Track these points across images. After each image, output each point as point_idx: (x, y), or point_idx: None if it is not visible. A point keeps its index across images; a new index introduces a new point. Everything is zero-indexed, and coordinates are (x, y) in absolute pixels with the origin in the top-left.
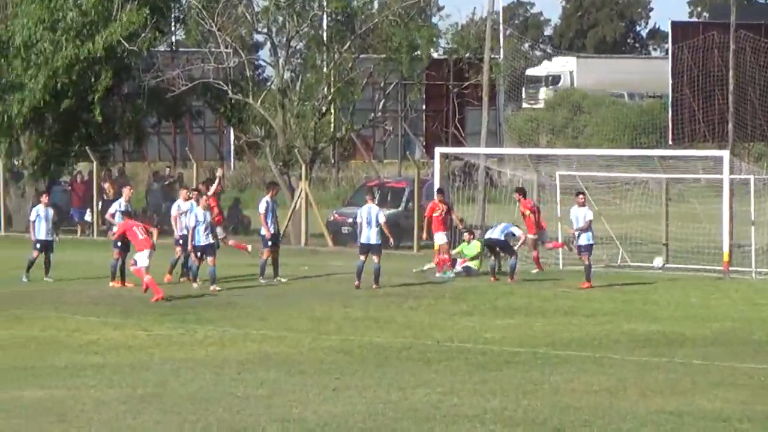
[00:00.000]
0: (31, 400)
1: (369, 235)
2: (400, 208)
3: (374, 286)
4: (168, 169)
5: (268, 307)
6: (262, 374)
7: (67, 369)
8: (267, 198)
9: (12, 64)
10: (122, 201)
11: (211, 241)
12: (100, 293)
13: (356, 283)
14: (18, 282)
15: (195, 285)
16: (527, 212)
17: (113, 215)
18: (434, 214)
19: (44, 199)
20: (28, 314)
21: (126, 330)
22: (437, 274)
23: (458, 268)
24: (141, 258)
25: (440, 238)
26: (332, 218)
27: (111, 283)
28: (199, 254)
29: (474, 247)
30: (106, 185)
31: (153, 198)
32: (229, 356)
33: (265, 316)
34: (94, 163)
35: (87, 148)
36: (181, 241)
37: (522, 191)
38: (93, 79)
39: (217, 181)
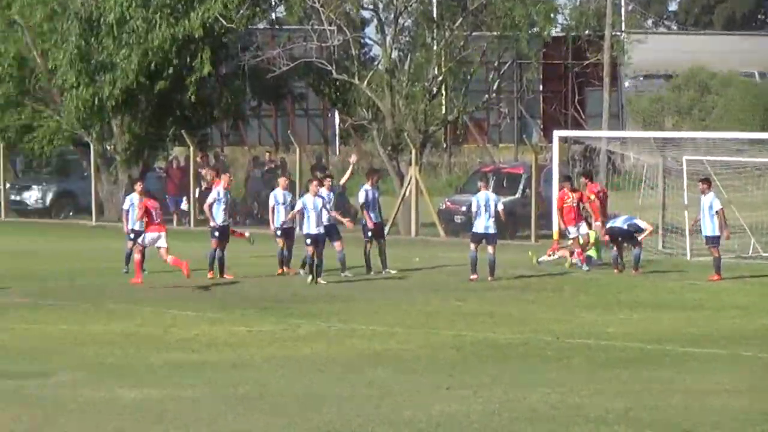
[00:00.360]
0: (127, 400)
1: (485, 224)
2: (516, 196)
3: (489, 279)
4: (268, 154)
5: (377, 301)
6: (370, 373)
7: (164, 367)
8: (367, 186)
9: (103, 43)
10: (220, 189)
11: (320, 230)
12: (196, 286)
13: (473, 276)
14: (119, 274)
15: (301, 273)
16: (592, 197)
17: (211, 206)
18: (564, 204)
19: (138, 186)
20: (123, 309)
21: (225, 326)
22: (583, 267)
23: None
24: (152, 239)
25: (577, 230)
26: (444, 206)
27: (208, 275)
28: (308, 242)
29: (590, 236)
30: (204, 171)
31: (253, 185)
32: (334, 354)
33: (373, 310)
34: (191, 148)
35: (183, 131)
36: (279, 233)
37: (588, 174)
38: (189, 59)
39: (350, 168)
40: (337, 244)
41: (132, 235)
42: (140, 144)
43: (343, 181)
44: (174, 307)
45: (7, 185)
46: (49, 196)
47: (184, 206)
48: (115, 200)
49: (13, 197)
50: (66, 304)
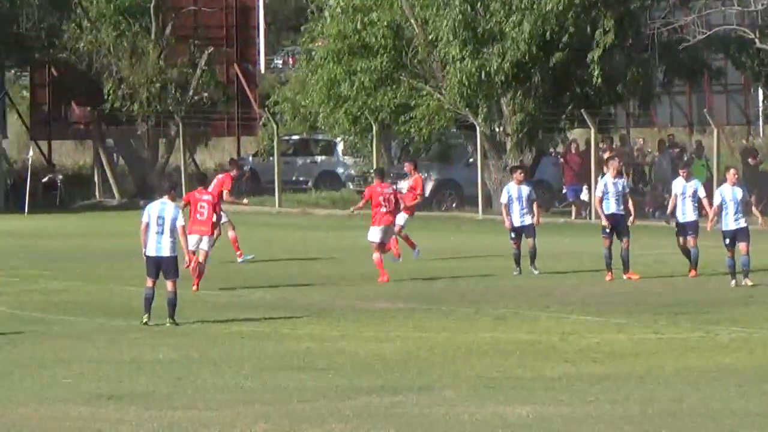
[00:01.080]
0: (515, 418)
1: None
2: None
3: None
4: (670, 137)
5: None
6: None
7: (560, 380)
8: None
9: (490, 9)
10: (608, 178)
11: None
12: (599, 288)
13: None
14: (508, 275)
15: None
16: None
17: (601, 199)
18: None
19: (519, 175)
20: (513, 314)
21: (632, 332)
22: None
23: None
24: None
25: None
26: None
27: (625, 276)
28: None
29: None
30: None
31: (659, 172)
32: (759, 364)
33: None
34: (592, 130)
35: (582, 111)
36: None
37: None
38: (589, 28)
39: None
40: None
41: (513, 234)
42: (533, 125)
43: None
44: (573, 311)
45: None
46: (429, 186)
47: (584, 196)
48: None
49: None
50: (449, 308)
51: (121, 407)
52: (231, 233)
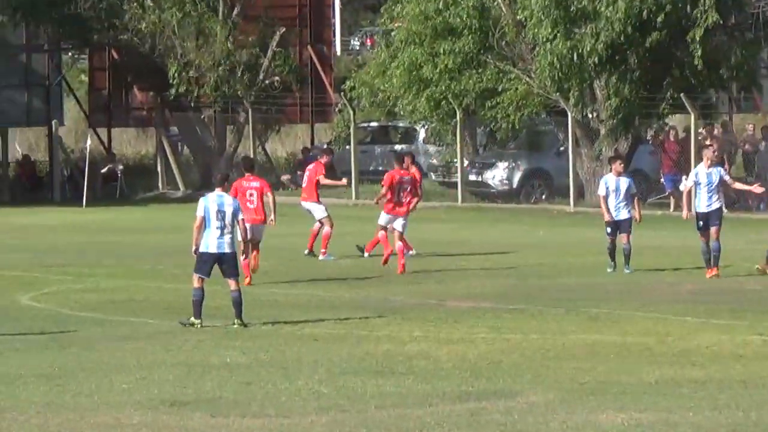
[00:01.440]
0: (608, 426)
1: None
2: None
3: None
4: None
5: None
6: None
7: (657, 386)
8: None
9: None
10: (700, 168)
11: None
12: (699, 286)
13: None
14: (602, 272)
15: None
16: None
17: (690, 189)
18: None
19: (618, 166)
20: (606, 314)
21: (735, 334)
22: None
23: None
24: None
25: None
26: None
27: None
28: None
29: None
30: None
31: (764, 160)
32: None
33: None
34: (692, 116)
35: (682, 96)
36: None
37: None
38: (688, 6)
39: None
40: None
41: (609, 229)
42: (629, 111)
43: None
44: (670, 311)
45: (466, 163)
46: (517, 176)
47: (683, 187)
48: (599, 181)
49: (472, 177)
50: (537, 308)
51: (185, 414)
52: (327, 229)
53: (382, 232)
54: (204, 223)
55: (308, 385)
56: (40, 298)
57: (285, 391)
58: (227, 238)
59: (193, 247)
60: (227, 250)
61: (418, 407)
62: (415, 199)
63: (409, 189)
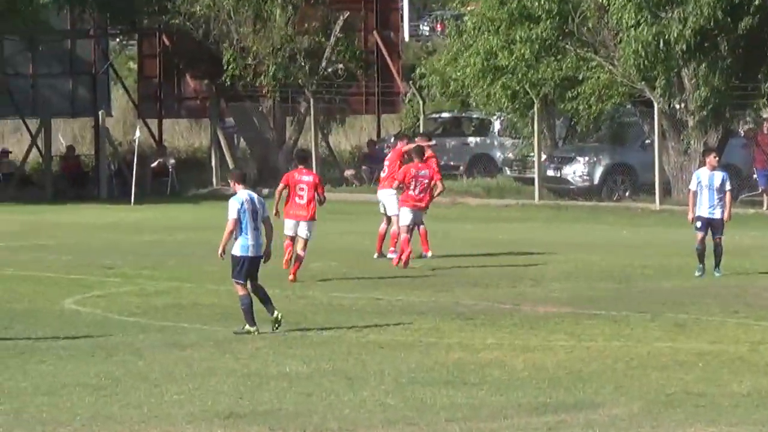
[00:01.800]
0: None
1: None
2: None
3: None
4: None
5: None
6: None
7: (750, 397)
8: None
9: None
10: None
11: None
12: None
13: None
14: (689, 274)
15: None
16: None
17: None
18: None
19: (712, 160)
20: (694, 320)
21: None
22: None
23: None
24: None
25: None
26: None
27: None
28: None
29: None
30: None
31: None
32: None
33: None
34: None
35: None
36: None
37: None
38: None
39: None
40: None
41: (699, 224)
42: (720, 102)
43: None
44: (764, 317)
45: (543, 157)
46: (599, 171)
47: None
48: (686, 177)
49: (550, 173)
50: (621, 313)
51: (242, 427)
52: (395, 228)
53: (404, 235)
54: (238, 226)
55: (374, 396)
56: (84, 302)
57: (349, 403)
58: (261, 239)
59: (220, 251)
60: (260, 252)
61: (491, 420)
62: (436, 192)
63: (427, 182)
